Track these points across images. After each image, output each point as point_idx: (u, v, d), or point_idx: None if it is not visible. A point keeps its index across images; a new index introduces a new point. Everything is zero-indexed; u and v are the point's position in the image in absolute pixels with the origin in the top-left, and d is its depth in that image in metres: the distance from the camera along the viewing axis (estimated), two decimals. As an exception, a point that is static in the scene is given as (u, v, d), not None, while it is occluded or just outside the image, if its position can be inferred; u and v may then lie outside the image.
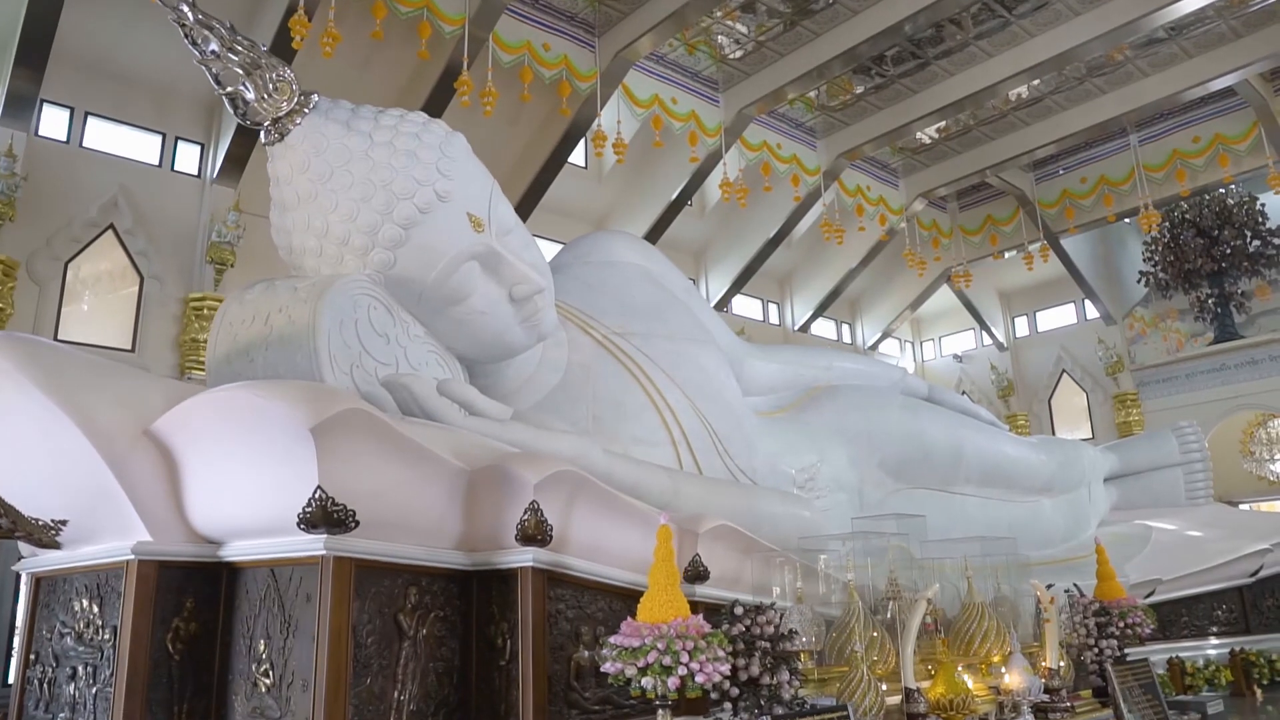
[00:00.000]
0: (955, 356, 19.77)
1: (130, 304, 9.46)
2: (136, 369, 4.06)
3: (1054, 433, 17.19)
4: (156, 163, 9.98)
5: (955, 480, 8.55)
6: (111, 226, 9.44)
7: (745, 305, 17.27)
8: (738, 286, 16.08)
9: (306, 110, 4.76)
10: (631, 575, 4.03)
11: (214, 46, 4.60)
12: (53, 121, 9.40)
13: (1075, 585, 6.44)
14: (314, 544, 3.35)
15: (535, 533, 3.58)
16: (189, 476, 3.65)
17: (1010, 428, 16.46)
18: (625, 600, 4.07)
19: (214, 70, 4.65)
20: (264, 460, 3.35)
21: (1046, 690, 4.50)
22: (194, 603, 3.81)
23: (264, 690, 3.52)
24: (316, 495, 3.22)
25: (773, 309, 17.86)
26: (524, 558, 3.61)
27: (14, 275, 8.56)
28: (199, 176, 10.22)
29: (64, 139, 9.45)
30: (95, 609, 3.89)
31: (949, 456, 8.42)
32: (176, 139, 10.15)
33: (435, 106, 10.53)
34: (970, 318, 18.92)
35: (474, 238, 4.95)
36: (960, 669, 4.44)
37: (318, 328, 4.26)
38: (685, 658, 3.06)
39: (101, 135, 9.66)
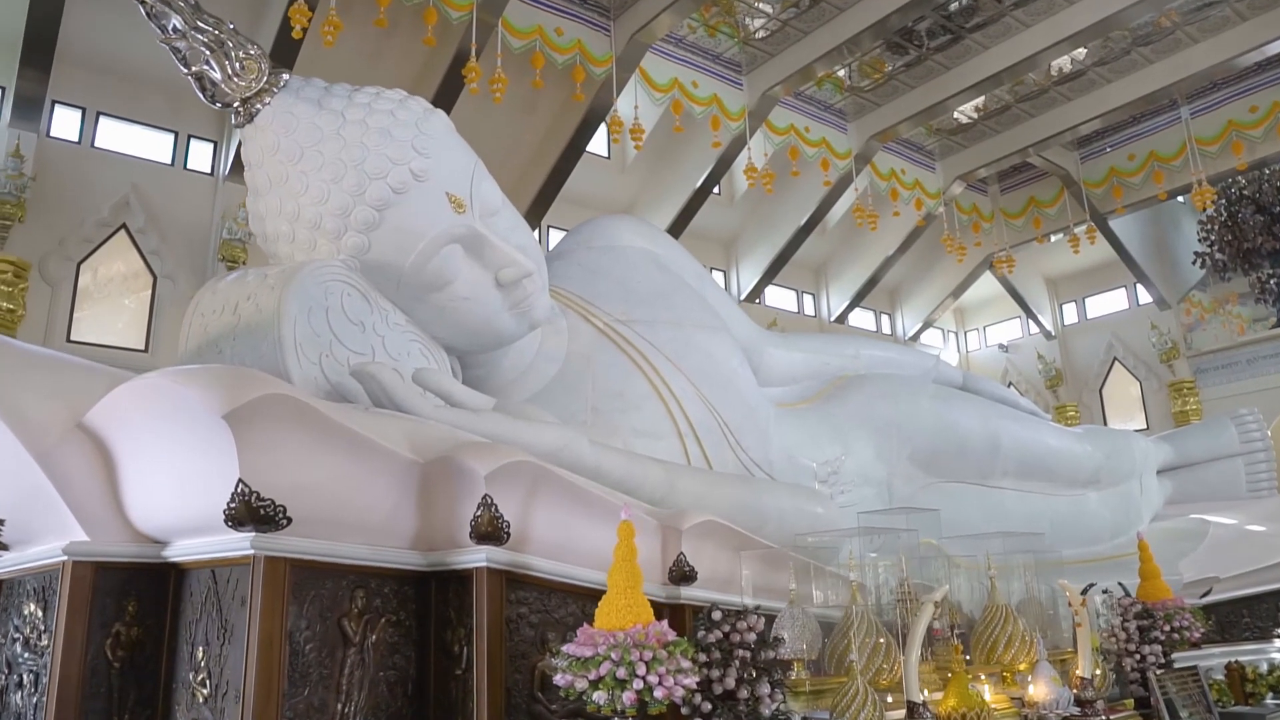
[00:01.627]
0: (1001, 346, 19.06)
1: (143, 304, 9.39)
2: (80, 360, 3.84)
3: (1106, 424, 16.42)
4: (169, 161, 9.91)
5: (992, 473, 8.08)
6: (124, 226, 9.39)
7: (778, 296, 16.81)
8: (770, 277, 15.65)
9: (275, 89, 4.53)
10: (604, 576, 3.68)
11: (176, 23, 4.39)
12: (64, 122, 9.37)
13: (1121, 584, 5.96)
14: (244, 543, 3.07)
15: (489, 530, 3.26)
16: (124, 471, 3.40)
17: (1059, 419, 15.80)
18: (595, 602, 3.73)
19: (178, 49, 4.45)
20: (187, 451, 3.09)
21: (1078, 702, 4.05)
22: (137, 606, 3.55)
23: (201, 701, 3.26)
24: (239, 490, 2.94)
25: (808, 300, 17.38)
26: (477, 557, 3.29)
27: (25, 276, 8.52)
28: (212, 174, 10.13)
29: (75, 139, 9.42)
30: (40, 613, 3.67)
31: (985, 448, 7.95)
32: (189, 137, 10.08)
33: (447, 96, 10.32)
34: (1015, 305, 18.21)
35: (454, 219, 4.66)
36: (977, 679, 4.02)
37: (283, 315, 4.02)
38: (642, 669, 2.71)
39: (113, 135, 9.61)
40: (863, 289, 16.84)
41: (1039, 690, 3.89)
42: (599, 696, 2.73)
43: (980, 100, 13.46)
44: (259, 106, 4.50)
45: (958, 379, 9.16)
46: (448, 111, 10.43)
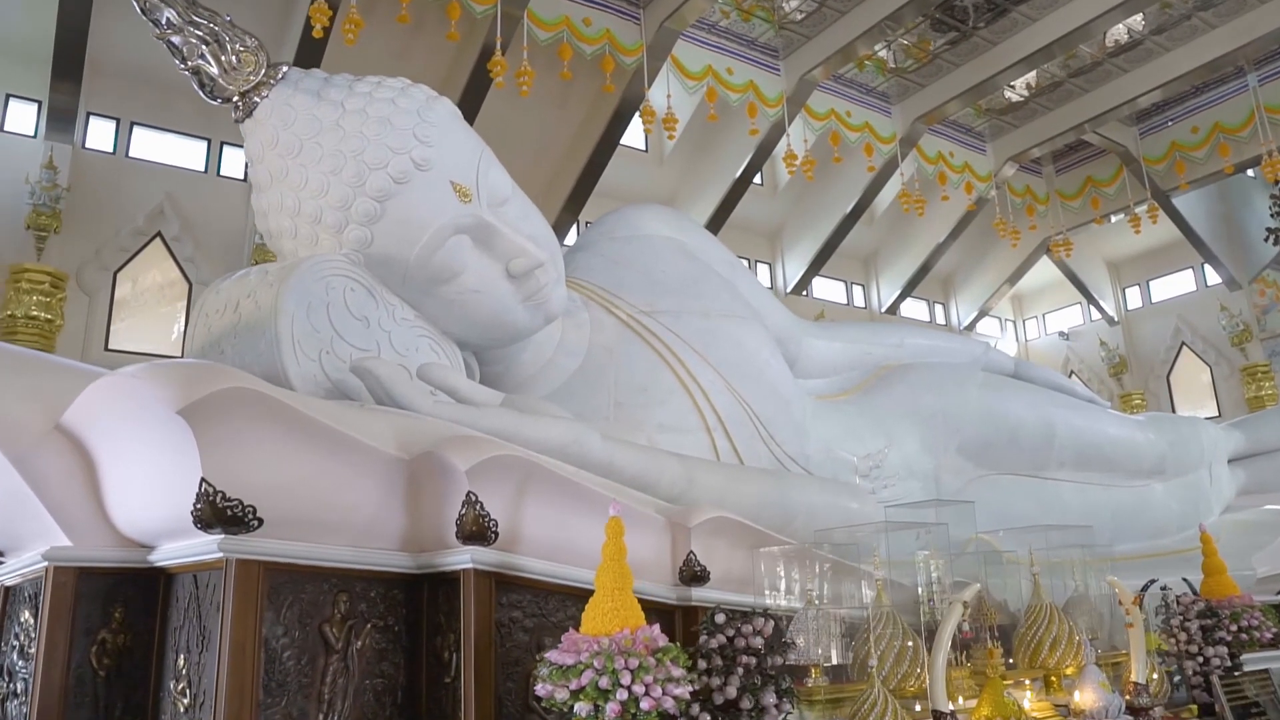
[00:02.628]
0: (1061, 334, 18.34)
1: (180, 311, 9.46)
2: (62, 359, 3.76)
3: (1174, 412, 15.65)
4: (202, 169, 9.97)
5: (1047, 464, 7.68)
6: (159, 234, 9.47)
7: (826, 288, 16.41)
8: (816, 268, 15.27)
9: (273, 82, 4.41)
10: (609, 576, 3.46)
11: (170, 16, 4.30)
12: (99, 133, 9.49)
13: (1185, 580, 5.55)
14: (215, 546, 2.92)
15: (474, 529, 3.06)
16: (103, 472, 3.28)
17: (1124, 409, 15.09)
18: (604, 605, 3.50)
19: (174, 45, 4.36)
20: (156, 450, 2.94)
21: (1131, 709, 3.69)
22: (125, 613, 3.43)
23: (182, 710, 3.12)
24: (203, 490, 2.79)
25: (857, 291, 16.93)
26: (462, 559, 3.09)
27: (63, 287, 8.63)
28: (245, 180, 10.17)
29: (110, 150, 9.53)
30: (33, 620, 3.59)
31: (1039, 437, 7.56)
32: (222, 144, 10.13)
33: (475, 92, 10.23)
34: (1075, 291, 17.49)
35: (460, 209, 4.49)
36: (1018, 685, 3.69)
37: (280, 311, 3.89)
38: (627, 678, 2.47)
39: (147, 144, 9.71)
40: (914, 278, 16.34)
41: (1085, 697, 3.55)
42: (581, 708, 2.50)
43: (1031, 77, 12.90)
44: (257, 100, 4.40)
45: (1009, 366, 8.76)
46: (475, 108, 10.47)
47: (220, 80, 4.39)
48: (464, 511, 3.07)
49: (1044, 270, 17.42)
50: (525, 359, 5.35)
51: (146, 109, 9.68)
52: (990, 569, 5.38)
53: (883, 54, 12.30)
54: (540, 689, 2.59)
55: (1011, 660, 4.17)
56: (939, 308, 18.03)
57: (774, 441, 5.87)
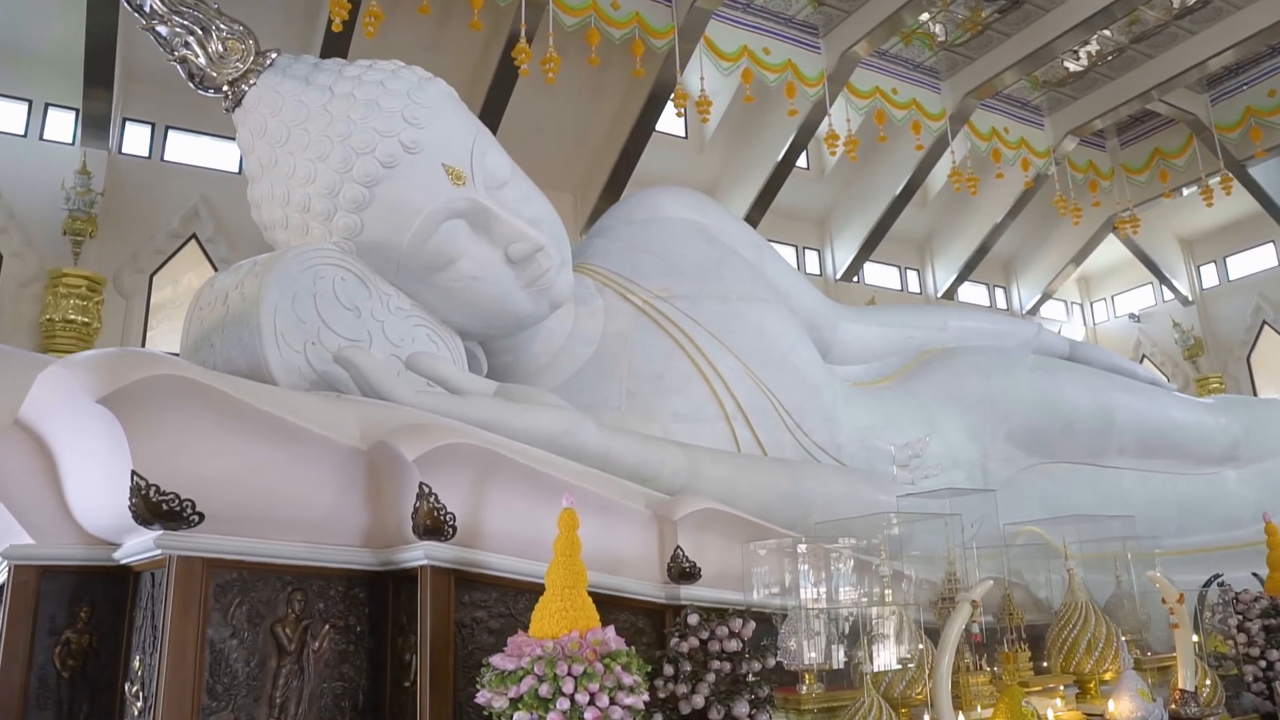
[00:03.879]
0: (1132, 316, 17.45)
1: (217, 310, 9.51)
2: (27, 353, 3.68)
3: (1256, 395, 14.70)
4: (236, 169, 10.02)
5: (1106, 451, 7.21)
6: (194, 236, 9.55)
7: (878, 274, 15.89)
8: (867, 252, 14.79)
9: (261, 69, 4.29)
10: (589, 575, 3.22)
11: (153, 4, 4.21)
12: (135, 138, 9.61)
13: (1255, 575, 5.08)
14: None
15: (429, 523, 2.85)
16: (61, 467, 3.17)
17: (1201, 393, 14.24)
18: (583, 604, 3.26)
19: (160, 35, 4.28)
20: (97, 442, 2.80)
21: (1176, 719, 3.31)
22: (91, 613, 3.33)
23: (136, 714, 2.99)
24: (134, 483, 2.63)
25: (911, 276, 16.37)
26: (416, 555, 2.89)
27: (100, 290, 8.73)
28: (278, 179, 10.21)
29: (146, 154, 9.64)
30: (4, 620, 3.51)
31: (1096, 423, 7.10)
32: (256, 144, 10.17)
33: (504, 82, 10.08)
34: (1146, 270, 16.59)
35: (453, 192, 4.29)
36: (1048, 691, 3.34)
37: (262, 301, 3.76)
38: (570, 686, 2.23)
39: (182, 147, 9.81)
40: (971, 261, 15.70)
41: (1121, 706, 3.18)
42: (520, 718, 2.26)
43: (1091, 45, 12.20)
44: (245, 89, 4.29)
45: (1063, 348, 8.27)
46: (505, 99, 10.31)
47: (208, 70, 4.30)
48: (418, 504, 2.86)
49: (1112, 249, 16.57)
50: (535, 348, 5.16)
51: (181, 112, 9.76)
52: (1034, 564, 5.00)
53: (935, 28, 11.76)
54: (480, 696, 2.37)
55: (1045, 664, 3.82)
56: (999, 292, 17.31)
57: (800, 431, 5.57)
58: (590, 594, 3.27)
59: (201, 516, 2.74)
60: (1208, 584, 5.09)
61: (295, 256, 3.97)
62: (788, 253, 15.09)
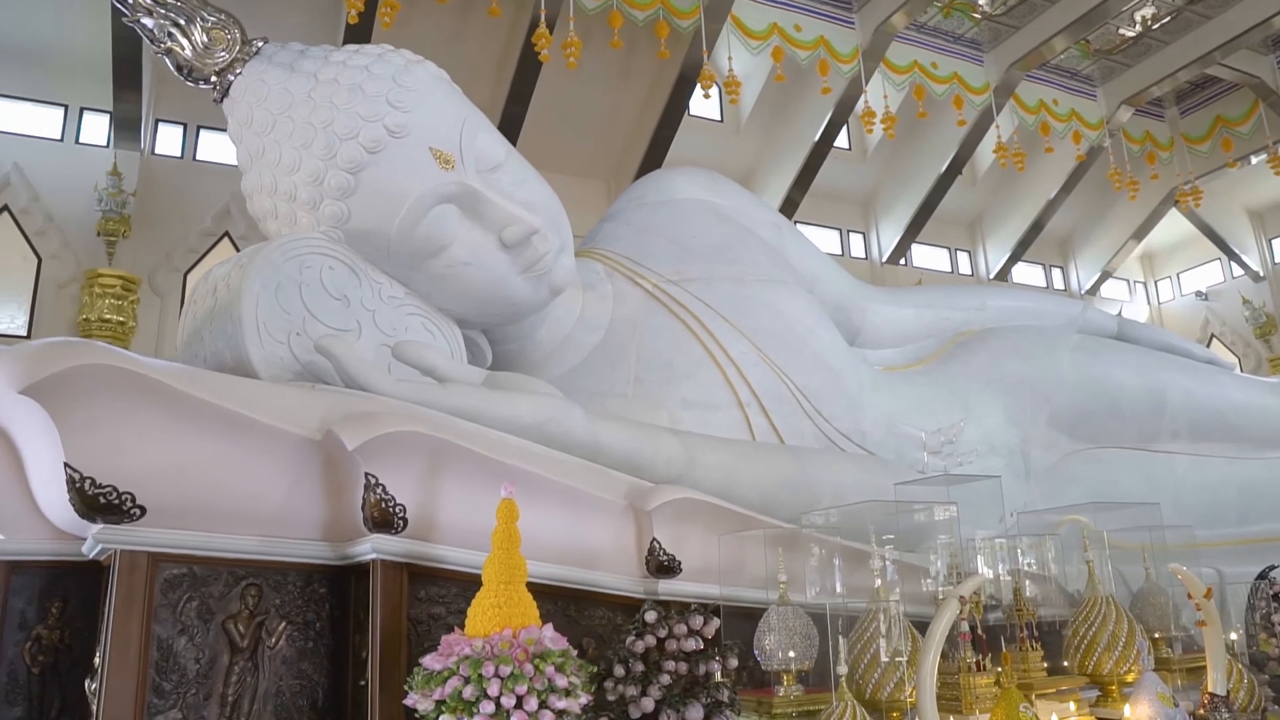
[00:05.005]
0: (1198, 294, 16.63)
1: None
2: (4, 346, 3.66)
3: (1333, 373, 13.88)
4: (267, 166, 10.11)
5: (1158, 435, 6.82)
6: (226, 234, 9.65)
7: (927, 255, 15.42)
8: (913, 234, 14.34)
9: (247, 58, 4.22)
10: (554, 569, 3.08)
11: (140, -3, 4.17)
12: (168, 139, 9.74)
13: (1306, 569, 4.69)
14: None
15: (377, 515, 2.72)
16: (25, 460, 3.13)
17: (1276, 374, 13.48)
18: (552, 601, 3.11)
19: (146, 28, 4.24)
20: (40, 434, 2.74)
21: (1200, 725, 3.02)
22: (63, 608, 3.29)
23: (96, 711, 2.93)
24: (68, 476, 2.56)
25: (962, 258, 15.84)
26: (364, 549, 2.77)
27: (135, 290, 8.88)
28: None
29: (179, 154, 9.77)
30: (-17, 617, 3.51)
31: (1146, 405, 6.72)
32: (286, 141, 10.24)
33: (529, 69, 9.96)
34: (1213, 245, 15.77)
35: (442, 176, 4.17)
36: (1053, 695, 3.08)
37: (243, 292, 3.70)
38: (495, 688, 2.08)
39: (214, 147, 9.91)
40: (1024, 239, 15.11)
41: (1138, 711, 2.91)
42: (445, 722, 2.12)
43: (1146, 8, 11.57)
44: (231, 78, 4.22)
45: (1110, 327, 7.84)
46: (530, 88, 10.20)
47: (194, 61, 4.23)
48: (365, 496, 2.74)
49: (1176, 225, 15.80)
50: (541, 336, 5.03)
51: (212, 112, 9.72)
52: (1070, 555, 4.69)
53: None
54: (408, 698, 2.23)
55: (1064, 664, 3.55)
56: (1056, 272, 16.67)
57: (821, 417, 5.34)
58: (563, 589, 3.18)
59: (143, 510, 2.66)
60: (1260, 576, 4.72)
61: (279, 246, 3.90)
62: (831, 236, 14.73)
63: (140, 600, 2.69)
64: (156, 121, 9.56)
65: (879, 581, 3.05)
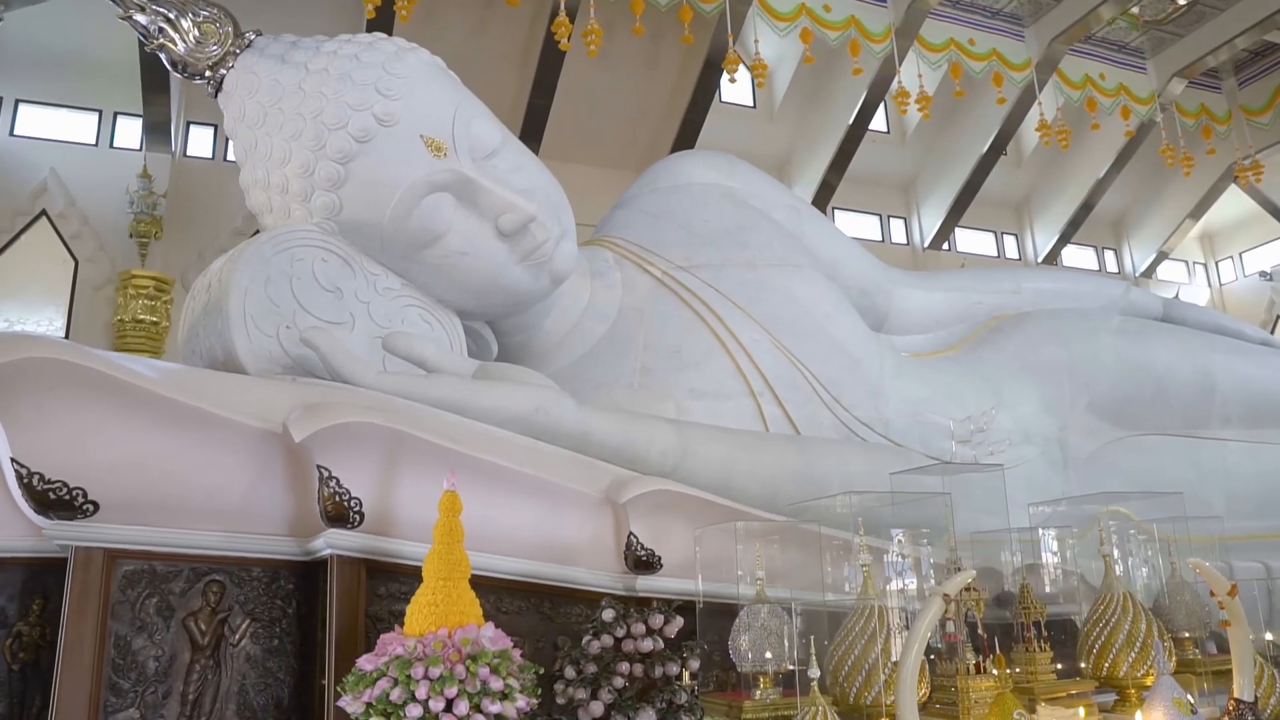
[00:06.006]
0: (1263, 274, 15.88)
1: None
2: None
3: None
4: (296, 165, 10.19)
5: (1207, 420, 6.52)
6: (257, 233, 9.71)
7: (971, 240, 14.98)
8: (955, 218, 13.93)
9: (239, 51, 4.21)
10: (526, 564, 2.97)
11: (131, -9, 4.18)
12: (199, 141, 9.87)
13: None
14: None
15: (331, 510, 2.64)
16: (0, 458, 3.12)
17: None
18: (526, 599, 3.01)
19: (140, 25, 4.25)
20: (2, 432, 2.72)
21: (1222, 734, 2.79)
22: (43, 605, 3.27)
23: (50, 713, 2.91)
24: (16, 471, 2.52)
25: (1008, 241, 15.36)
26: (319, 544, 2.68)
27: (169, 290, 9.01)
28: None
29: (210, 155, 9.89)
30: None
31: (1194, 389, 6.43)
32: (315, 139, 10.31)
33: (552, 59, 9.87)
34: (1277, 223, 15.02)
35: (434, 164, 4.10)
36: (1063, 699, 2.88)
37: (231, 286, 3.68)
38: (423, 690, 1.97)
39: (244, 146, 10.00)
40: (1074, 220, 14.57)
41: (1152, 717, 2.69)
42: (374, 726, 2.02)
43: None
44: (223, 72, 4.21)
45: (1155, 308, 7.49)
46: (555, 78, 10.10)
47: (187, 57, 4.24)
48: (319, 489, 2.66)
49: (1237, 202, 15.08)
50: (547, 326, 4.94)
51: (242, 113, 9.96)
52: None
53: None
54: (341, 700, 2.14)
55: (1081, 666, 3.32)
56: (1109, 254, 16.06)
57: (839, 405, 5.16)
58: (538, 586, 3.06)
59: (96, 505, 2.62)
60: (1309, 570, 4.43)
61: (269, 239, 3.88)
62: (870, 222, 14.40)
63: (95, 597, 2.64)
64: (188, 124, 9.70)
65: (863, 576, 2.87)
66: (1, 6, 7.87)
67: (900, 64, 10.75)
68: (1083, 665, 3.33)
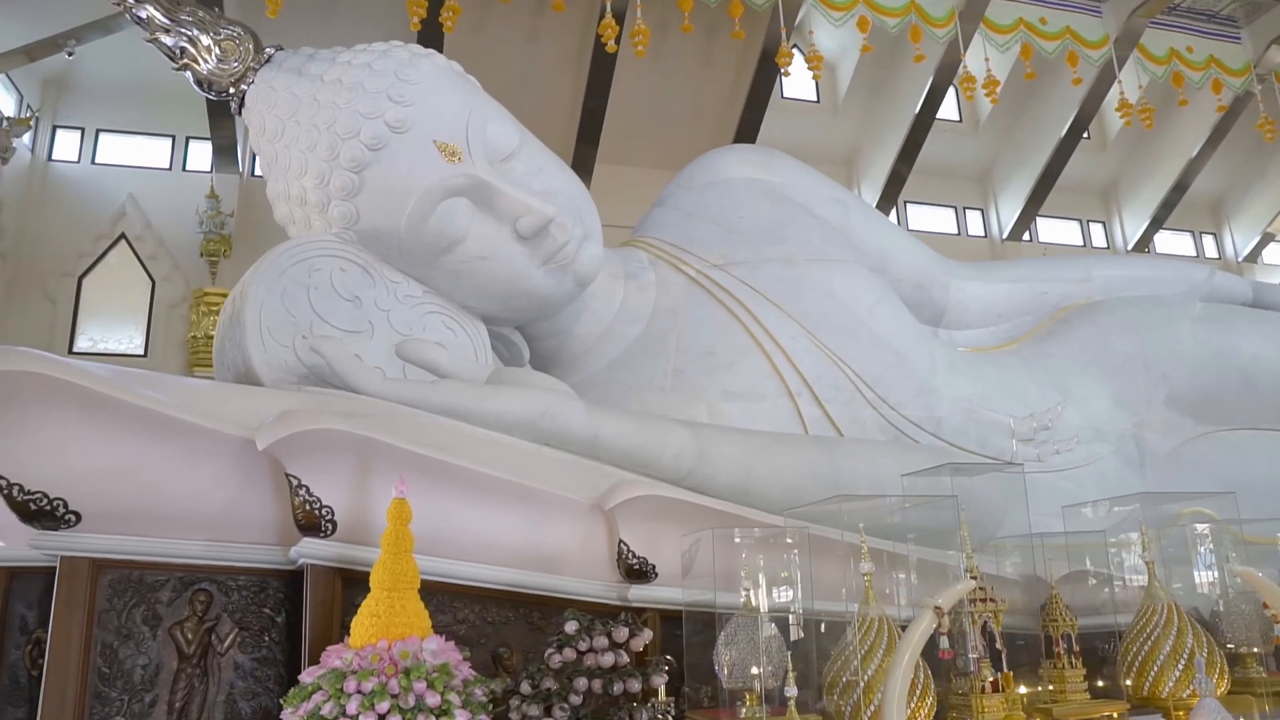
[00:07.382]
0: (1382, 252, 14.67)
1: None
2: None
3: None
4: (359, 180, 10.41)
5: (1303, 413, 6.01)
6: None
7: (1054, 229, 14.30)
8: (1035, 206, 13.32)
9: (259, 67, 4.30)
10: (511, 574, 2.88)
11: (150, 12, 4.31)
12: (266, 159, 10.19)
13: None
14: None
15: (304, 519, 2.61)
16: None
17: None
18: (514, 608, 2.92)
19: (166, 46, 4.39)
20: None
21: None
22: (61, 613, 3.38)
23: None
24: (-2, 483, 2.57)
25: (1095, 229, 14.59)
26: (294, 554, 2.65)
27: (239, 305, 9.31)
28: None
29: (276, 174, 10.20)
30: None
31: (1283, 379, 5.95)
32: (378, 154, 10.53)
33: (603, 63, 9.82)
34: (1398, 197, 13.87)
35: (448, 169, 4.08)
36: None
37: (247, 298, 3.76)
38: (354, 705, 1.90)
39: (308, 164, 10.29)
40: (1166, 203, 13.73)
41: (1187, 742, 2.42)
42: (309, 741, 1.96)
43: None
44: (245, 88, 4.29)
45: (1244, 292, 7.00)
46: (609, 80, 10.05)
47: (210, 75, 4.35)
48: (291, 498, 2.63)
49: (1349, 176, 13.98)
50: (579, 330, 4.88)
51: (306, 131, 10.24)
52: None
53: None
54: (283, 713, 2.09)
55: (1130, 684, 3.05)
56: (1208, 239, 15.09)
57: (886, 404, 4.96)
58: (526, 595, 2.97)
59: (78, 515, 2.65)
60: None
61: (286, 251, 3.93)
62: (945, 214, 13.88)
63: (81, 606, 2.68)
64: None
65: (866, 586, 2.68)
66: (72, 41, 8.29)
67: (966, 49, 10.31)
68: (1126, 683, 3.05)
